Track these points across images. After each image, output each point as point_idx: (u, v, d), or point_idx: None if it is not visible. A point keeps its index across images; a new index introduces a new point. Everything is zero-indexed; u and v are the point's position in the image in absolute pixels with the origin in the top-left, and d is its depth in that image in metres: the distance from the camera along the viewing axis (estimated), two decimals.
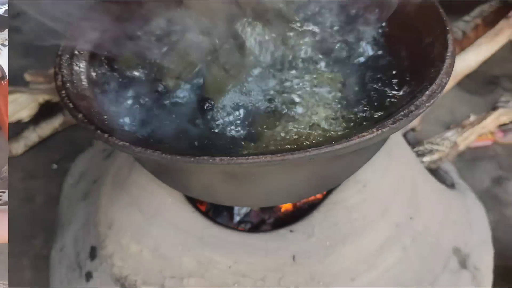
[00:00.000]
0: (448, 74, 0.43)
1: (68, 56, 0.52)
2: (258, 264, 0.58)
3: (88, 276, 0.66)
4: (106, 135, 0.42)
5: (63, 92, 0.47)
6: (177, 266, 0.59)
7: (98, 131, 0.43)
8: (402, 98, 0.46)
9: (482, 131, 0.89)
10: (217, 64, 0.52)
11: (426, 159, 0.80)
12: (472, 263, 0.70)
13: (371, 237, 0.60)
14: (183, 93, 0.53)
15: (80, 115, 0.45)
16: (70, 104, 0.46)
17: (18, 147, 1.15)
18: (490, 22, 1.17)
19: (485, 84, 1.34)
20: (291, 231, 0.60)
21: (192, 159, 0.39)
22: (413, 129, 0.92)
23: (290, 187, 0.49)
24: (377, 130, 0.38)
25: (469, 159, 1.13)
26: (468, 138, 0.86)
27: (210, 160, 0.39)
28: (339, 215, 0.59)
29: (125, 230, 0.62)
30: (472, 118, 0.89)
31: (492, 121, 0.89)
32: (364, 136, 0.38)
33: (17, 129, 1.21)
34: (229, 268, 0.58)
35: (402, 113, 0.40)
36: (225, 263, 0.58)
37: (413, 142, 0.87)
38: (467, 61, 0.95)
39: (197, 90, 0.53)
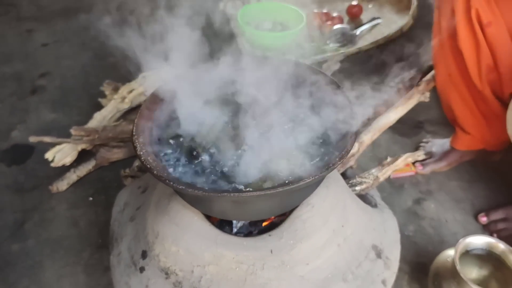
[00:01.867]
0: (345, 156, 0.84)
1: (141, 142, 0.90)
2: (250, 255, 0.97)
3: (142, 269, 1.03)
4: (172, 183, 0.81)
5: (143, 158, 0.86)
6: (201, 259, 0.97)
7: (167, 181, 0.82)
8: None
9: (395, 168, 1.30)
10: (224, 141, 0.93)
11: (358, 188, 1.21)
12: (385, 255, 1.09)
13: (317, 238, 0.99)
14: (205, 156, 0.93)
15: (155, 172, 0.83)
16: (148, 166, 0.85)
17: (62, 185, 1.52)
18: (410, 85, 1.61)
19: (412, 127, 1.76)
20: (269, 235, 0.99)
21: (218, 194, 0.79)
22: (351, 167, 1.34)
23: (268, 208, 0.89)
24: (302, 181, 0.79)
25: (398, 185, 1.54)
26: (385, 173, 1.27)
27: (228, 194, 0.79)
28: (298, 225, 0.99)
29: (167, 238, 1.00)
30: (389, 159, 1.31)
31: (402, 161, 1.31)
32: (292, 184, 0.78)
33: (62, 171, 1.57)
34: (233, 258, 0.96)
35: (316, 175, 0.80)
36: (230, 256, 0.97)
37: (351, 176, 1.28)
38: (389, 118, 1.37)
39: (213, 154, 0.93)
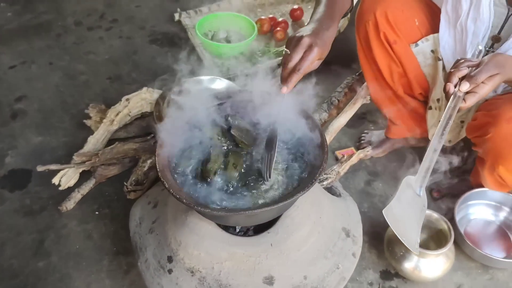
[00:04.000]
0: (323, 172, 1.15)
1: (168, 179, 1.17)
2: (256, 250, 1.27)
3: (170, 271, 1.32)
4: (192, 205, 1.09)
5: (167, 184, 1.13)
6: (218, 257, 1.27)
7: (188, 203, 1.10)
8: (305, 180, 1.18)
9: (351, 163, 1.64)
10: (230, 167, 1.22)
11: (325, 183, 1.55)
12: (352, 233, 1.44)
13: (303, 230, 1.31)
14: (218, 179, 1.22)
15: (177, 196, 1.11)
16: (173, 192, 1.12)
17: (70, 204, 1.74)
18: (353, 89, 1.96)
19: (357, 119, 2.10)
20: (268, 232, 1.30)
21: (237, 213, 1.08)
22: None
23: (271, 215, 1.20)
24: (292, 197, 1.10)
25: (351, 171, 1.90)
26: (344, 168, 1.62)
27: (243, 211, 1.08)
28: (288, 222, 1.31)
29: (189, 245, 1.29)
30: (345, 157, 1.65)
31: (356, 158, 1.65)
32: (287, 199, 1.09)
33: (64, 191, 1.78)
34: (243, 254, 1.27)
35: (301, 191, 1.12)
36: (240, 252, 1.27)
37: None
38: (340, 122, 1.72)
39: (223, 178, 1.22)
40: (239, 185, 1.22)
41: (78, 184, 1.79)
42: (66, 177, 1.72)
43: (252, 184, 1.21)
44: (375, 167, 1.92)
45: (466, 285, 1.55)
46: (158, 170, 1.18)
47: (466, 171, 1.77)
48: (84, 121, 1.99)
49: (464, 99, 1.08)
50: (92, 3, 2.86)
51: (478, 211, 1.70)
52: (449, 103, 1.09)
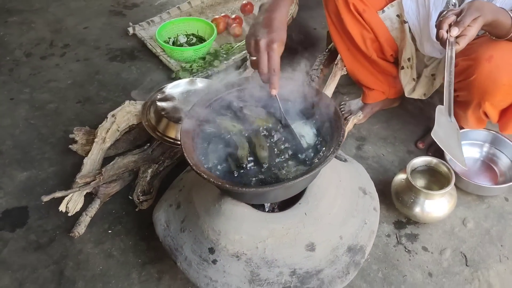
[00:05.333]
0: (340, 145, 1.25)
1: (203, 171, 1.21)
2: (292, 221, 1.34)
3: (214, 262, 1.35)
4: (246, 188, 1.15)
5: (212, 180, 1.17)
6: (260, 236, 1.33)
7: (241, 188, 1.15)
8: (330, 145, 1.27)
9: (348, 130, 1.76)
10: (258, 149, 1.28)
11: None
12: (368, 191, 1.55)
13: (330, 194, 1.40)
14: (250, 165, 1.27)
15: (212, 180, 1.16)
16: (205, 175, 1.17)
17: (81, 229, 1.71)
18: (327, 65, 2.08)
19: (332, 94, 2.25)
20: (299, 203, 1.37)
21: (266, 188, 1.15)
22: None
23: (302, 185, 1.28)
24: (325, 160, 1.18)
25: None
26: (344, 137, 1.72)
27: (270, 187, 1.15)
28: (315, 190, 1.39)
29: (230, 231, 1.33)
30: None
31: (351, 124, 1.77)
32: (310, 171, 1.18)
33: (72, 219, 1.75)
34: (282, 228, 1.33)
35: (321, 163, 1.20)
36: (279, 227, 1.33)
37: None
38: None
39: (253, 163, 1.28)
40: (270, 163, 1.29)
41: (82, 208, 1.76)
42: (73, 202, 1.69)
43: (281, 161, 1.29)
44: (360, 132, 2.05)
45: (469, 217, 1.71)
46: (191, 165, 1.21)
47: None
48: (70, 146, 1.95)
49: (457, 42, 1.22)
50: (37, 33, 2.78)
51: (464, 151, 1.87)
52: (446, 50, 1.23)
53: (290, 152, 1.31)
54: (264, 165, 1.26)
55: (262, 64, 1.21)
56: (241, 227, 1.33)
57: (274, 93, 1.24)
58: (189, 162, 1.22)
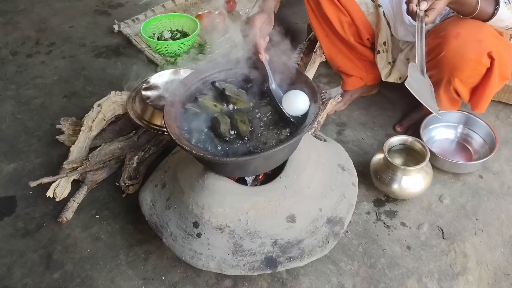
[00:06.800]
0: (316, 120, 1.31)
1: (186, 144, 1.26)
2: (273, 194, 1.39)
3: (199, 235, 1.40)
4: (229, 158, 1.20)
5: (194, 151, 1.23)
6: (242, 209, 1.38)
7: (224, 158, 1.20)
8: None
9: (327, 111, 1.82)
10: (239, 124, 1.33)
11: (310, 132, 1.71)
12: (346, 167, 1.61)
13: (309, 168, 1.46)
14: (232, 137, 1.32)
15: (189, 149, 1.21)
16: (187, 148, 1.22)
17: (68, 214, 1.74)
18: (307, 53, 2.15)
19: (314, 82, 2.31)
20: (280, 177, 1.43)
21: (246, 157, 1.20)
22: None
23: (281, 157, 1.33)
24: (302, 133, 1.24)
25: (324, 124, 2.08)
26: (323, 117, 1.79)
27: (249, 157, 1.21)
28: (295, 164, 1.44)
29: (213, 205, 1.38)
30: (322, 106, 1.82)
31: (330, 105, 1.84)
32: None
33: (60, 207, 1.78)
34: (263, 200, 1.39)
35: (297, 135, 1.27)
36: (261, 199, 1.38)
37: None
38: None
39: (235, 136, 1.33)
40: (253, 136, 1.34)
41: (70, 195, 1.80)
42: (60, 187, 1.72)
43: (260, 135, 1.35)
44: (341, 118, 2.11)
45: (446, 194, 1.78)
46: (175, 139, 1.26)
47: (418, 105, 2.02)
48: (57, 137, 1.99)
49: (426, 15, 1.29)
50: (22, 32, 2.82)
51: (439, 133, 1.96)
52: (417, 24, 1.30)
53: (271, 126, 1.37)
54: (246, 138, 1.32)
55: (257, 34, 1.39)
56: (224, 200, 1.38)
57: (262, 58, 1.37)
58: (172, 136, 1.27)
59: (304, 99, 1.34)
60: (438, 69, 1.62)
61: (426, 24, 1.30)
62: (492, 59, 1.53)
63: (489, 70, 1.57)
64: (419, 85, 1.35)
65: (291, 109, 1.35)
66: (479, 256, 1.59)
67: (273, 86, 1.40)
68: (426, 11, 1.29)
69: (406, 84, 1.33)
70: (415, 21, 1.31)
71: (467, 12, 1.44)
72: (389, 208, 1.75)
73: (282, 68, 1.44)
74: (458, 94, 1.69)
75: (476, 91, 1.67)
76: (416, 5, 1.29)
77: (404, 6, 1.67)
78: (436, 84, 1.70)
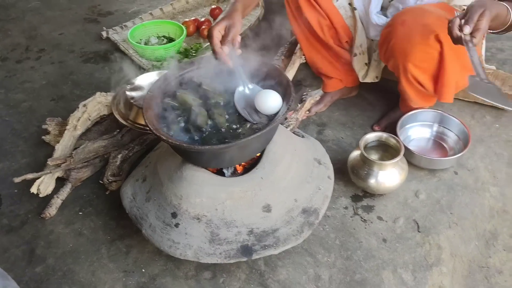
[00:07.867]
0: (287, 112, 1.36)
1: (165, 135, 1.31)
2: (250, 184, 1.43)
3: (177, 225, 1.43)
4: (204, 147, 1.24)
5: (171, 141, 1.27)
6: (219, 199, 1.41)
7: (183, 145, 1.25)
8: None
9: (306, 109, 1.88)
10: (216, 115, 1.38)
11: (289, 128, 1.76)
12: (323, 162, 1.65)
13: (285, 161, 1.50)
14: (209, 129, 1.37)
15: (166, 138, 1.25)
16: (163, 137, 1.26)
17: (52, 210, 1.77)
18: (288, 55, 2.21)
19: (295, 86, 2.37)
20: (256, 169, 1.47)
21: (221, 146, 1.25)
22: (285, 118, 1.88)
23: (257, 147, 1.38)
24: (275, 122, 1.29)
25: (305, 125, 2.13)
26: (301, 114, 1.84)
27: (224, 145, 1.25)
28: (271, 156, 1.49)
29: (191, 195, 1.42)
30: (299, 106, 1.88)
31: (308, 104, 1.89)
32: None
33: (45, 204, 1.81)
34: (240, 190, 1.43)
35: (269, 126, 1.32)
36: (237, 189, 1.42)
37: (284, 123, 1.83)
38: None
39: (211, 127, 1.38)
40: (229, 129, 1.39)
41: (54, 192, 1.83)
42: (44, 184, 1.76)
43: (236, 126, 1.40)
44: (321, 119, 2.17)
45: (421, 189, 1.82)
46: (152, 130, 1.31)
47: (396, 105, 2.08)
48: (43, 137, 2.03)
49: (473, 36, 1.32)
50: (12, 39, 2.88)
51: (416, 132, 2.01)
52: (466, 48, 1.34)
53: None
54: (222, 129, 1.36)
55: (214, 44, 1.37)
56: (202, 190, 1.42)
57: (230, 65, 1.40)
58: (150, 127, 1.32)
59: (276, 98, 1.39)
60: (393, 57, 1.69)
61: (474, 45, 1.32)
62: (440, 42, 1.57)
63: (441, 54, 1.61)
64: (484, 90, 1.42)
65: (263, 108, 1.40)
66: (453, 249, 1.63)
67: (243, 89, 1.45)
68: (471, 34, 1.32)
69: (470, 92, 1.44)
70: (462, 45, 1.34)
71: (499, 25, 1.45)
72: (366, 203, 1.79)
73: (259, 66, 1.50)
74: (421, 85, 1.74)
75: (438, 81, 1.71)
76: (460, 30, 1.32)
77: (372, 8, 1.75)
78: (396, 75, 1.76)
